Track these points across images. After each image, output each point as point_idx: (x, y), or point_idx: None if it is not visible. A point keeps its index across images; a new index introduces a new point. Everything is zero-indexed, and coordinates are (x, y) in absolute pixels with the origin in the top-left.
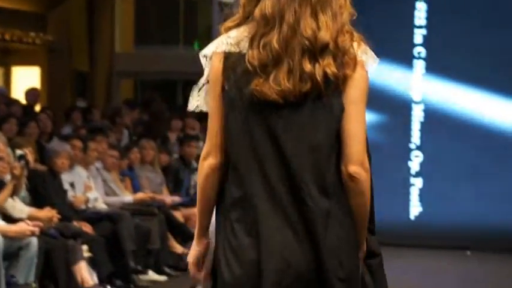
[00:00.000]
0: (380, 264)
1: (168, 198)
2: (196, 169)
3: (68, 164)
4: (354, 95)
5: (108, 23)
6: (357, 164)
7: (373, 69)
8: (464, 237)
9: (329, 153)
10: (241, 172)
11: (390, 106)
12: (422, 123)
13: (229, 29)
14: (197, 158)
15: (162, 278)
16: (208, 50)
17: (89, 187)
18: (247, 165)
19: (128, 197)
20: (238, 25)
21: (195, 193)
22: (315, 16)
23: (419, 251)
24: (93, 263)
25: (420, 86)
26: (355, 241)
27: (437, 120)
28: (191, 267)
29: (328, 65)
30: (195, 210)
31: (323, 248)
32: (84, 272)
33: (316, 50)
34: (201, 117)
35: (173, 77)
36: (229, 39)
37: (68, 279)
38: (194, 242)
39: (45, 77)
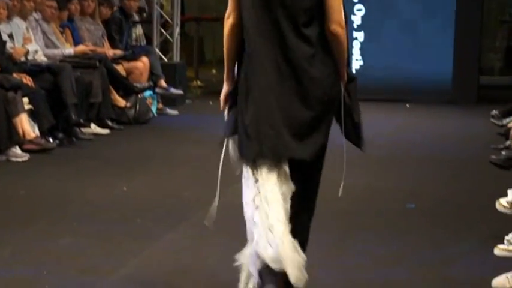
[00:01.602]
0: (355, 86)
1: (110, 51)
2: (136, 22)
3: (6, 14)
4: None
5: None
6: (335, 24)
7: None
8: (403, 91)
9: (313, 15)
10: (250, 32)
11: None
12: None
13: None
14: (138, 11)
15: (105, 131)
16: None
17: (28, 39)
18: (252, 27)
19: (69, 49)
20: None
21: (139, 46)
22: None
23: (360, 104)
24: (34, 115)
25: None
26: (336, 74)
27: None
28: (221, 101)
29: None
30: (137, 64)
31: (307, 80)
32: (25, 124)
33: None
34: None
35: None
36: None
37: (9, 131)
38: (224, 83)
39: None
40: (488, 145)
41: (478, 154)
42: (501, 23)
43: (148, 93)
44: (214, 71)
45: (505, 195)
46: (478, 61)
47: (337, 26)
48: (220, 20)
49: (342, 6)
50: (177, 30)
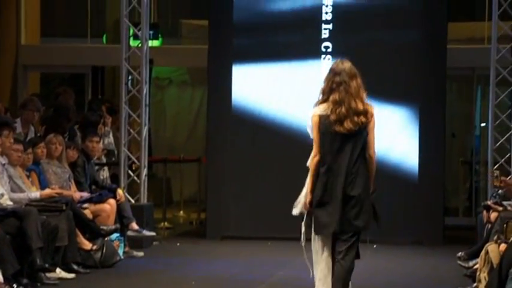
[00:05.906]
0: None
1: (76, 194)
2: (102, 164)
3: None
4: (371, 127)
5: (13, 14)
6: (371, 151)
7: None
8: (370, 231)
9: (360, 152)
10: (327, 163)
11: None
12: None
13: (319, 103)
14: (106, 154)
15: (70, 275)
16: (313, 113)
17: None
18: (329, 160)
19: (35, 193)
20: (322, 102)
21: (106, 188)
22: (354, 100)
23: None
24: None
25: None
26: (368, 184)
27: None
28: (306, 206)
29: (362, 118)
30: (103, 206)
31: (354, 187)
32: None
33: (358, 113)
34: (112, 112)
35: (81, 70)
36: (321, 109)
37: None
38: (307, 195)
39: None
40: (455, 287)
41: None
42: (462, 163)
43: (115, 235)
44: (181, 212)
45: None
46: (443, 202)
47: (372, 153)
48: (187, 161)
49: (375, 141)
50: (144, 172)
